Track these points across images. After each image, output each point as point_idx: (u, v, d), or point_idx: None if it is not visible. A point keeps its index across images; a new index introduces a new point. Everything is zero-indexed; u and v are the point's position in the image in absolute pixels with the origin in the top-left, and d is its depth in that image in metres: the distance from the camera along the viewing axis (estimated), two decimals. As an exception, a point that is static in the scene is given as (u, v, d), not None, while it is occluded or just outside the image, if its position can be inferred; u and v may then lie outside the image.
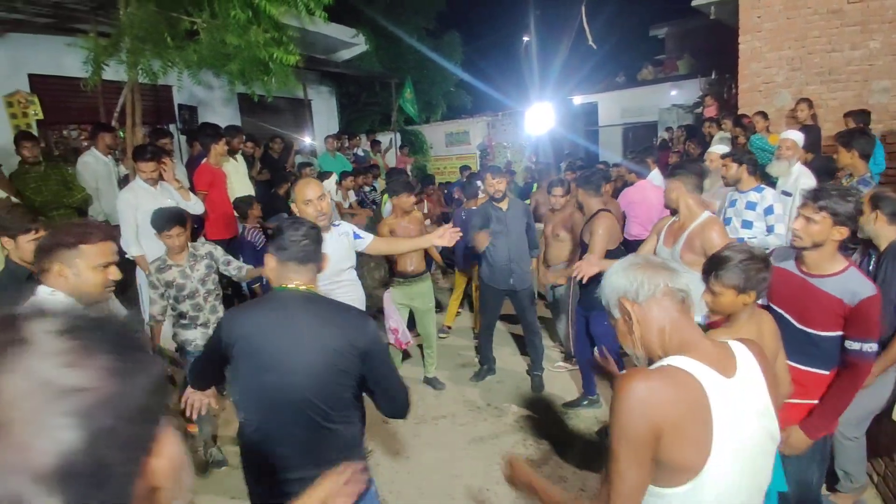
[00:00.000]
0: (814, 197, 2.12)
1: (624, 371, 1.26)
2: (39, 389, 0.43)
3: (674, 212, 3.06)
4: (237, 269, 3.48)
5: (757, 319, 1.96)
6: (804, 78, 6.30)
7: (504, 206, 4.34)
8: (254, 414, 1.70)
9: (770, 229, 3.70)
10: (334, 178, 6.65)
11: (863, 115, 5.02)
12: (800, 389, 2.17)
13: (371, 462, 3.48)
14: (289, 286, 1.71)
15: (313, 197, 2.79)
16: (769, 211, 3.73)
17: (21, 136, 4.90)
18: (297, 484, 1.59)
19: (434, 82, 12.74)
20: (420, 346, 4.70)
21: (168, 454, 0.51)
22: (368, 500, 1.80)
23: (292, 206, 2.97)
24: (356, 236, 3.10)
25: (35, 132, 5.65)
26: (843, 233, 2.08)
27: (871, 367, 2.16)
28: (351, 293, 2.98)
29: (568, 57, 12.99)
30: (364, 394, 1.81)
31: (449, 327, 5.81)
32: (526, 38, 13.91)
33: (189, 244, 3.34)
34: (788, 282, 2.25)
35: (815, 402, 2.21)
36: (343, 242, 3.01)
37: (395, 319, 4.17)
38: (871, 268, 2.68)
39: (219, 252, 3.47)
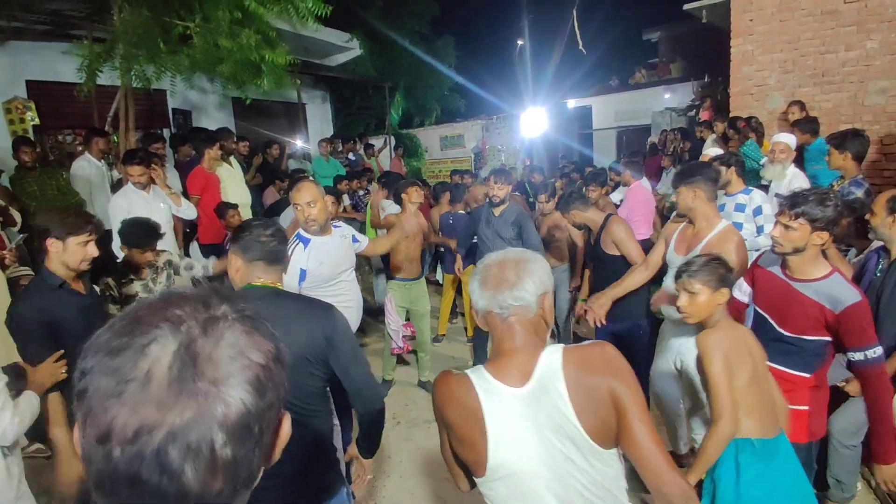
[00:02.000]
0: (791, 204, 2.10)
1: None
2: (238, 359, 0.54)
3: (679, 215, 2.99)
4: (203, 268, 3.41)
5: (736, 326, 2.02)
6: (797, 80, 6.31)
7: (498, 211, 4.32)
8: None
9: (760, 230, 3.72)
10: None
11: (810, 123, 4.91)
12: (786, 394, 2.16)
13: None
14: (255, 283, 1.72)
15: (301, 202, 2.78)
16: (758, 212, 3.75)
17: (19, 142, 4.94)
18: (268, 479, 1.58)
19: (428, 86, 12.78)
20: (414, 351, 4.69)
21: (286, 430, 0.63)
22: (338, 502, 1.80)
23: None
24: (354, 240, 3.16)
25: (32, 137, 5.67)
26: (823, 237, 2.08)
27: (884, 371, 2.12)
28: (350, 294, 3.03)
29: (561, 61, 13.05)
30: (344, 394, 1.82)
31: (443, 335, 5.76)
32: (520, 42, 13.95)
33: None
34: (772, 285, 2.28)
35: (804, 407, 2.23)
36: (343, 244, 3.04)
37: (396, 322, 4.18)
38: (878, 272, 2.63)
39: (175, 258, 3.39)
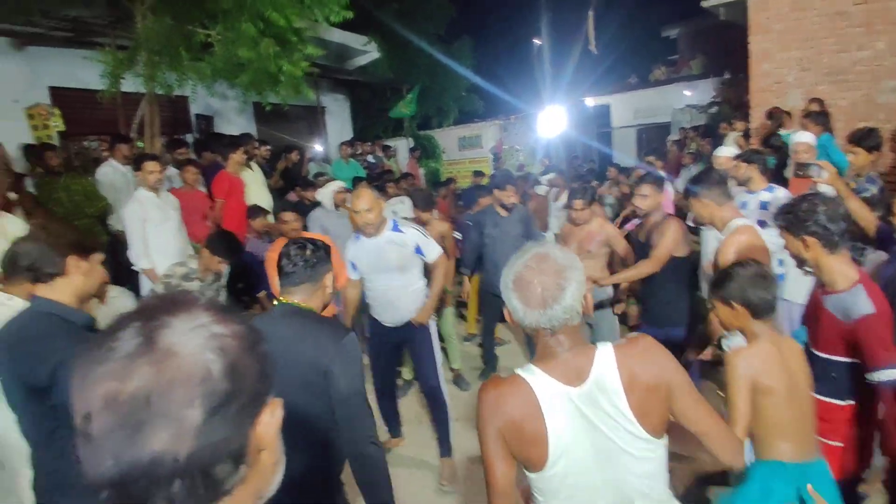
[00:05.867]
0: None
1: None
2: (200, 330, 0.58)
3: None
4: (183, 273, 3.69)
5: (778, 342, 1.84)
6: (814, 78, 6.25)
7: (503, 211, 4.43)
8: None
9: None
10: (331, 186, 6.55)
11: (821, 117, 4.85)
12: (821, 424, 1.94)
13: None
14: (283, 300, 1.87)
15: (360, 209, 3.02)
16: None
17: (44, 147, 5.06)
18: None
19: (445, 87, 12.81)
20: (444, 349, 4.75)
21: (271, 420, 0.64)
22: None
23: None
24: (418, 251, 3.21)
25: (57, 143, 5.81)
26: (810, 242, 1.98)
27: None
28: (388, 295, 3.20)
29: (579, 59, 12.96)
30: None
31: (473, 334, 5.71)
32: (537, 42, 13.93)
33: None
34: (812, 301, 2.15)
35: (836, 443, 2.02)
36: (389, 249, 3.12)
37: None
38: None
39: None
